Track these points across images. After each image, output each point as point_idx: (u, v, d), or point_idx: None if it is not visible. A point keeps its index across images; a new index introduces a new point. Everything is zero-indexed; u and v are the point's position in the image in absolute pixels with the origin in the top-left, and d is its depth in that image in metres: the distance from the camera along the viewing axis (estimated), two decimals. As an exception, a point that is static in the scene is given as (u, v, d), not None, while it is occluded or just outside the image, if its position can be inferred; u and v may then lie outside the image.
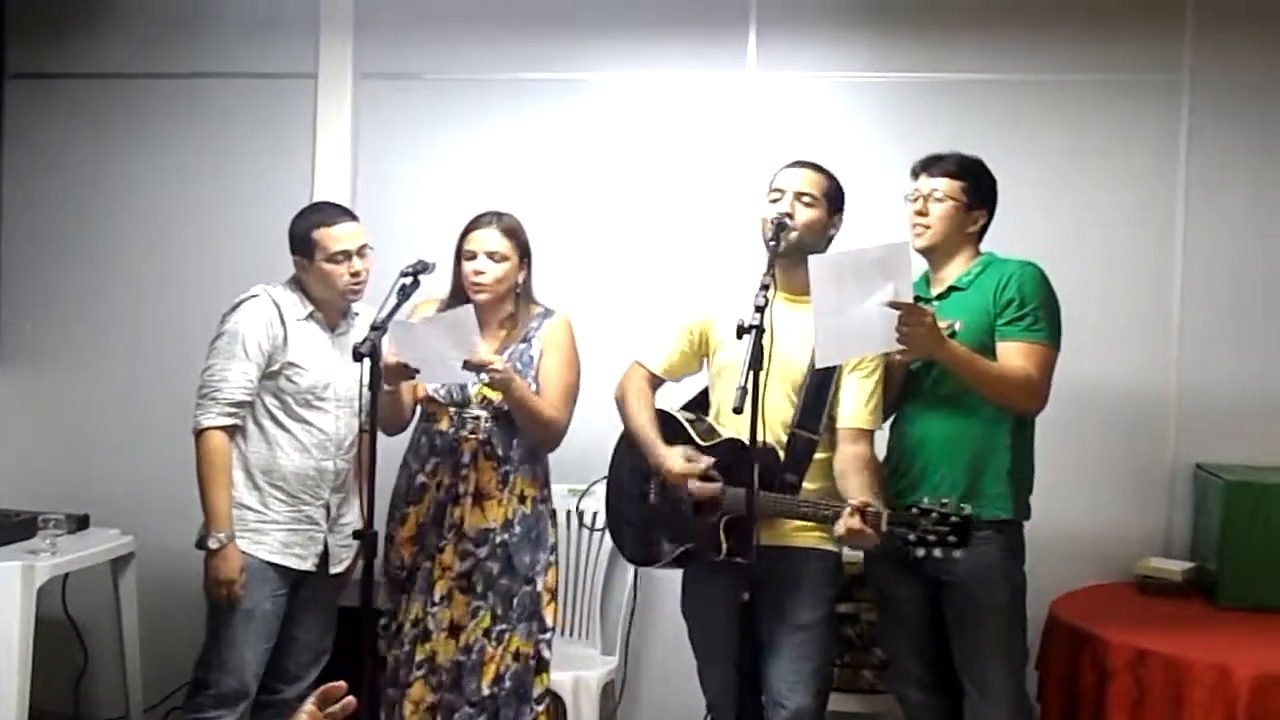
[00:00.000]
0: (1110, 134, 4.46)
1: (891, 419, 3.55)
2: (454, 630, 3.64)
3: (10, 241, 4.95)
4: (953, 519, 2.98)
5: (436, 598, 3.63)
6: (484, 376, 3.47)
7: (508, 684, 3.63)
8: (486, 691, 3.62)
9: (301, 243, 3.65)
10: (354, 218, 3.73)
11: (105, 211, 4.91)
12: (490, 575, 3.63)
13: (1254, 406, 4.38)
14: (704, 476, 3.35)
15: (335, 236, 3.63)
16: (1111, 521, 4.39)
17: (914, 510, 3.03)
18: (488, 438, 3.64)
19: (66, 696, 4.81)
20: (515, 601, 3.64)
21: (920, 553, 3.01)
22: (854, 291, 3.11)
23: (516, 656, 3.64)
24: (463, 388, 3.65)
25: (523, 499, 3.68)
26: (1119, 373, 4.36)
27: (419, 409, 3.76)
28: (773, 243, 3.28)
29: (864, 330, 3.16)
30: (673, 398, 3.67)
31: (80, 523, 4.42)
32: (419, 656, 3.64)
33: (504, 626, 3.63)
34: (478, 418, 3.65)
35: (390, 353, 3.46)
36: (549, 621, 3.72)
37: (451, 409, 3.68)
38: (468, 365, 3.43)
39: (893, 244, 3.23)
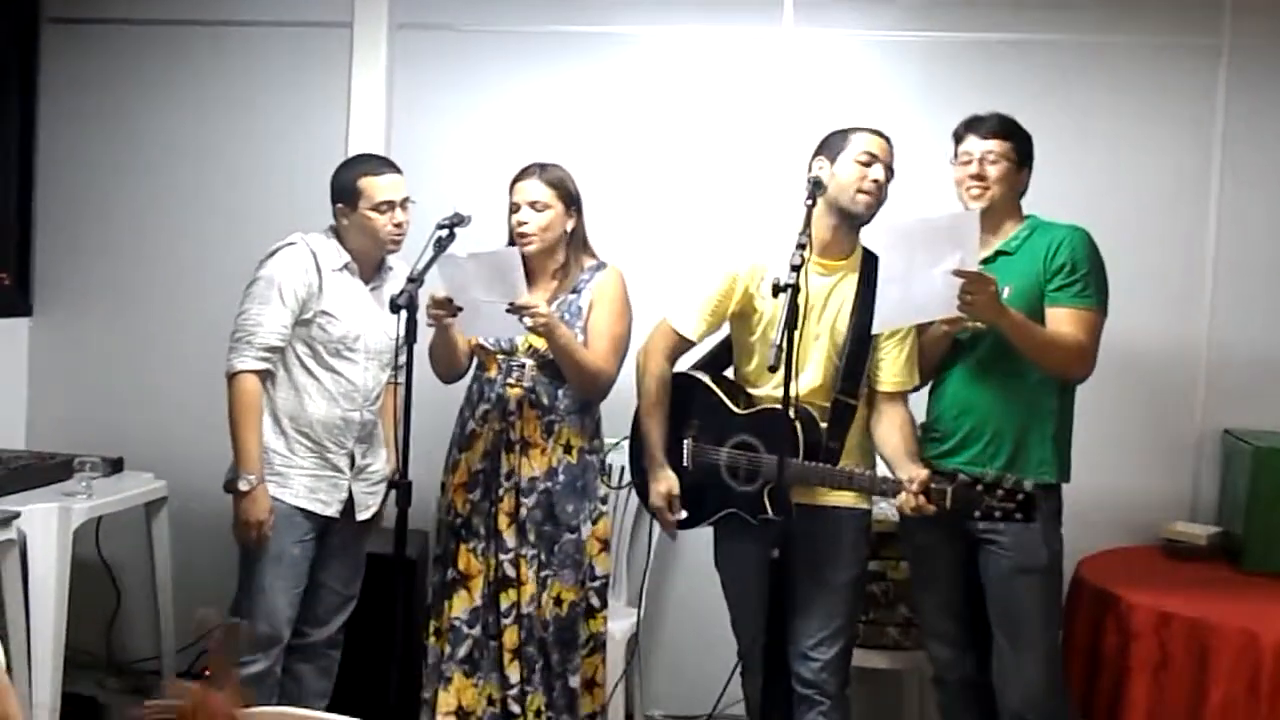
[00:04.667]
0: (1147, 97, 4.45)
1: (932, 385, 3.57)
2: (523, 580, 3.66)
3: (46, 187, 4.98)
4: (1019, 496, 3.01)
5: (509, 545, 3.66)
6: (528, 321, 3.47)
7: (552, 629, 3.66)
8: (539, 636, 3.67)
9: (345, 191, 3.67)
10: (398, 170, 3.75)
11: (139, 158, 4.93)
12: (536, 523, 3.66)
13: (1284, 373, 4.39)
14: (737, 446, 3.40)
15: (381, 186, 3.65)
16: (1138, 485, 4.41)
17: (979, 487, 3.05)
18: (533, 386, 3.66)
19: (100, 637, 4.88)
20: (557, 549, 3.66)
21: (982, 525, 3.06)
22: (922, 258, 3.15)
23: (559, 603, 3.66)
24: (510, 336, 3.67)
25: (568, 449, 3.69)
26: (1149, 337, 4.36)
27: (474, 359, 3.78)
28: (809, 202, 3.28)
29: (926, 296, 3.19)
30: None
31: (115, 466, 4.47)
32: (505, 604, 3.66)
33: (547, 573, 3.66)
34: (523, 366, 3.67)
35: (434, 291, 3.48)
36: (599, 570, 3.75)
37: (500, 356, 3.70)
38: (512, 308, 3.44)
39: (962, 213, 3.32)
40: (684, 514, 3.46)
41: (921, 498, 3.10)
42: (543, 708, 3.67)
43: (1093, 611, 3.71)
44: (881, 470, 3.36)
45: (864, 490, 3.34)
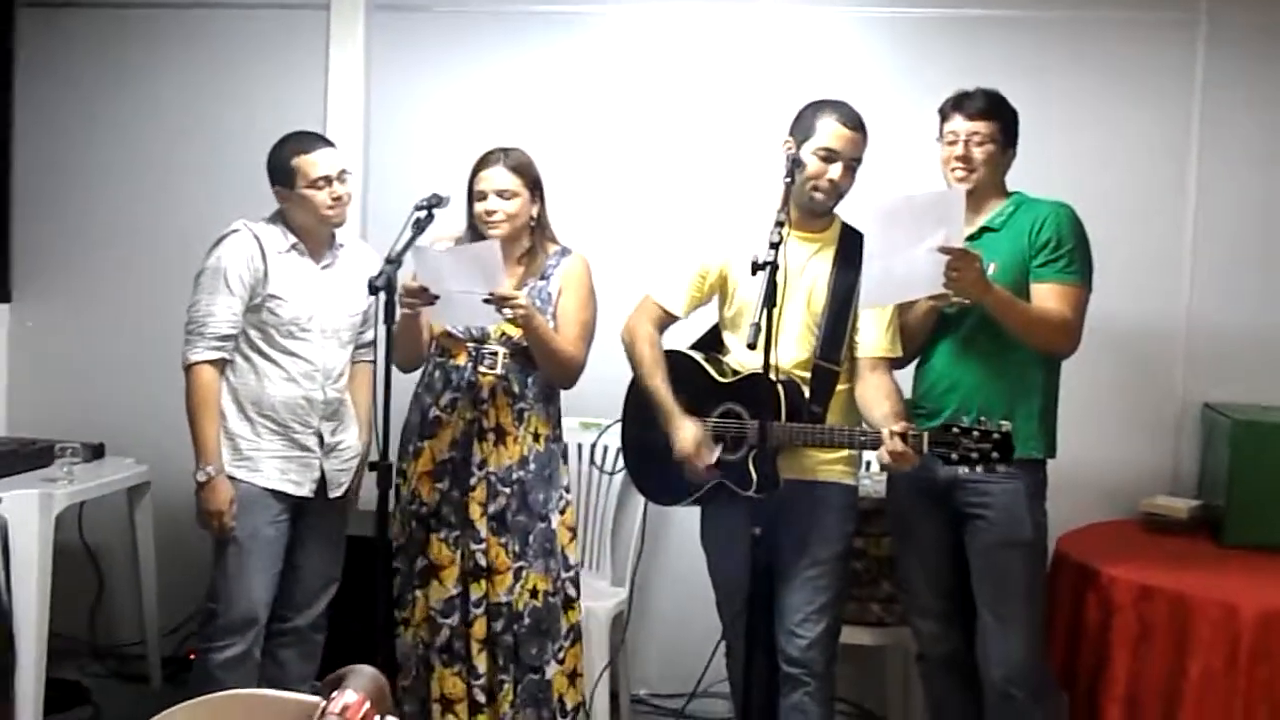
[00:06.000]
0: (1126, 72, 4.45)
1: (918, 362, 3.58)
2: (498, 570, 3.65)
3: (23, 171, 4.96)
4: (995, 436, 3.03)
5: (483, 534, 3.64)
6: (506, 312, 3.46)
7: (527, 621, 3.65)
8: (515, 628, 3.66)
9: (281, 172, 3.67)
10: (331, 144, 3.76)
11: (117, 141, 4.92)
12: (512, 513, 3.66)
13: (1263, 347, 4.40)
14: (724, 415, 3.41)
15: (314, 162, 3.65)
16: (1119, 459, 4.43)
17: (955, 430, 3.07)
18: (505, 374, 3.65)
19: (84, 622, 4.89)
20: (531, 539, 3.66)
21: (964, 470, 3.07)
22: (906, 235, 3.16)
23: (534, 594, 3.66)
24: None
25: (536, 437, 3.68)
26: (1130, 311, 4.37)
27: (433, 345, 3.76)
28: (788, 180, 3.29)
29: (911, 273, 3.19)
30: (681, 335, 3.67)
31: (96, 451, 4.48)
32: (475, 595, 3.63)
33: (522, 564, 3.65)
34: (495, 354, 3.65)
35: (410, 276, 3.48)
36: (572, 559, 3.74)
37: (470, 345, 3.68)
38: (491, 299, 3.42)
39: (948, 190, 3.33)
40: (716, 454, 3.41)
41: (899, 442, 3.10)
42: (513, 700, 3.66)
43: (1074, 585, 3.72)
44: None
45: (845, 446, 3.34)
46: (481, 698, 3.64)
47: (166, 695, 4.60)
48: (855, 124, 3.38)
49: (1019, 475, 3.36)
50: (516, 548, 3.66)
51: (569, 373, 3.69)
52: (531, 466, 3.67)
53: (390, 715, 1.78)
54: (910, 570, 3.65)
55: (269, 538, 3.67)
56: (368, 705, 1.73)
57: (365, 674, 1.79)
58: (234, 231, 3.67)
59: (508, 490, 3.65)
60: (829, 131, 3.37)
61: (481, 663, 3.65)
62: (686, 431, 3.42)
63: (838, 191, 3.40)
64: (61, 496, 4.07)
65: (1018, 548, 3.41)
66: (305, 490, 3.72)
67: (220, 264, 3.62)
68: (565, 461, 3.83)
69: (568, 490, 3.79)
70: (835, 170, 3.37)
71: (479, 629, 3.65)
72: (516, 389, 3.67)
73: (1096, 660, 3.58)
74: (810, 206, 3.40)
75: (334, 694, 1.74)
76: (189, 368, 3.62)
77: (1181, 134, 4.44)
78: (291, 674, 3.81)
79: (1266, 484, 3.90)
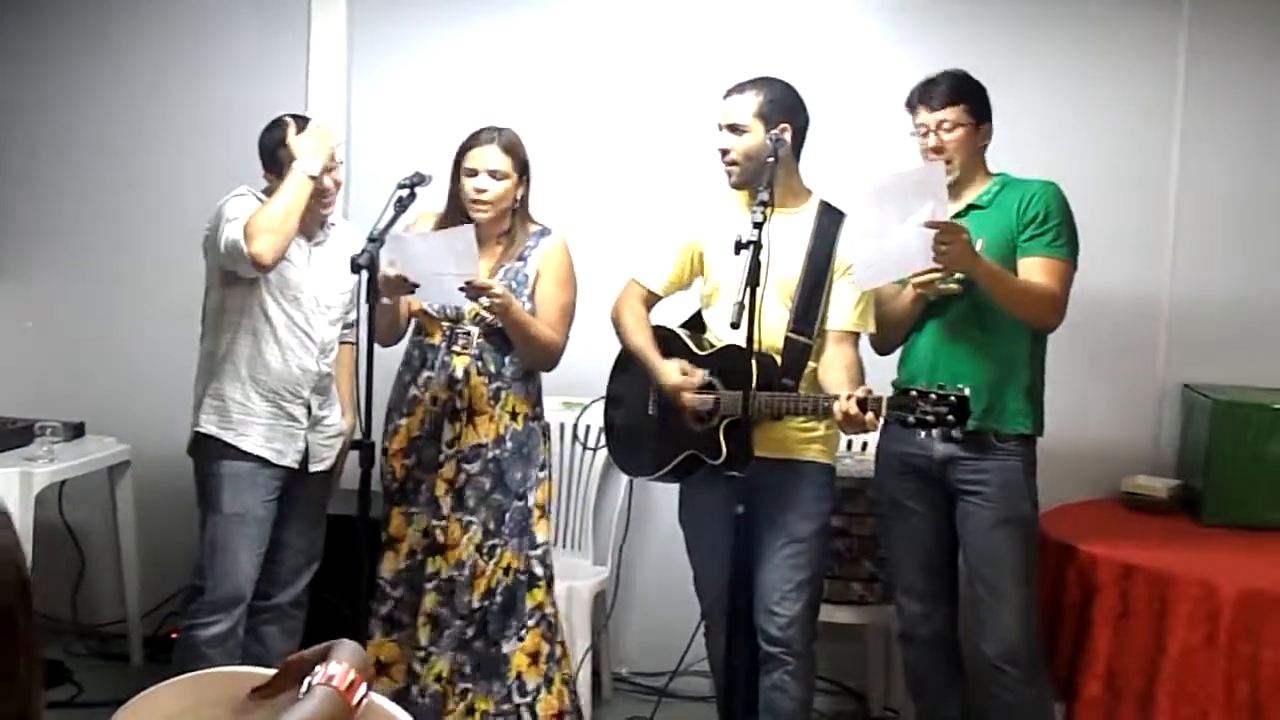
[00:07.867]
0: (1109, 51, 4.45)
1: (905, 346, 3.58)
2: (451, 545, 3.66)
3: (1, 149, 4.91)
4: (951, 398, 3.00)
5: (444, 511, 3.66)
6: (483, 300, 3.47)
7: (498, 599, 3.66)
8: (476, 605, 3.65)
9: (269, 159, 3.65)
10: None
11: (97, 118, 4.87)
12: (482, 491, 3.66)
13: (1243, 327, 4.42)
14: (700, 389, 3.38)
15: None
16: (1099, 439, 4.44)
17: (912, 393, 3.05)
18: (480, 354, 3.65)
19: (65, 602, 4.86)
20: (506, 517, 3.67)
21: (921, 434, 3.07)
22: (893, 212, 3.18)
23: (507, 572, 3.67)
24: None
25: (514, 415, 3.69)
26: (1110, 291, 4.36)
27: (412, 321, 3.76)
28: (770, 159, 3.27)
29: (902, 250, 3.21)
30: (668, 317, 3.67)
31: (76, 430, 4.46)
32: (430, 569, 3.66)
33: (495, 541, 3.66)
34: (469, 334, 3.66)
35: (388, 264, 3.46)
36: (540, 537, 3.74)
37: (445, 324, 3.68)
38: (467, 287, 3.42)
39: (931, 165, 3.34)
40: (703, 376, 3.38)
41: (855, 406, 3.08)
42: (443, 673, 3.67)
43: (1055, 564, 3.73)
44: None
45: (810, 412, 3.31)
46: (418, 668, 3.67)
47: (147, 674, 4.58)
48: (731, 90, 3.43)
49: (1015, 451, 3.39)
50: (491, 525, 3.66)
51: (547, 357, 3.70)
52: (508, 445, 3.68)
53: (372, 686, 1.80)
54: (897, 549, 3.65)
55: (259, 517, 3.65)
56: (354, 674, 1.74)
57: (349, 646, 1.79)
58: (239, 195, 3.62)
59: (474, 468, 3.65)
60: (719, 109, 3.42)
61: (424, 636, 3.66)
62: (669, 367, 3.43)
63: (734, 160, 3.38)
64: (42, 476, 4.05)
65: (1014, 524, 3.42)
66: (289, 460, 3.70)
67: (236, 203, 3.54)
68: (547, 440, 3.82)
69: (544, 469, 3.79)
70: (721, 140, 3.40)
71: (428, 602, 3.66)
72: (492, 368, 3.67)
73: (1077, 638, 3.60)
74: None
75: (319, 666, 1.74)
76: (247, 237, 3.41)
77: (1164, 111, 4.43)
78: (274, 651, 3.79)
79: (1246, 464, 3.93)
